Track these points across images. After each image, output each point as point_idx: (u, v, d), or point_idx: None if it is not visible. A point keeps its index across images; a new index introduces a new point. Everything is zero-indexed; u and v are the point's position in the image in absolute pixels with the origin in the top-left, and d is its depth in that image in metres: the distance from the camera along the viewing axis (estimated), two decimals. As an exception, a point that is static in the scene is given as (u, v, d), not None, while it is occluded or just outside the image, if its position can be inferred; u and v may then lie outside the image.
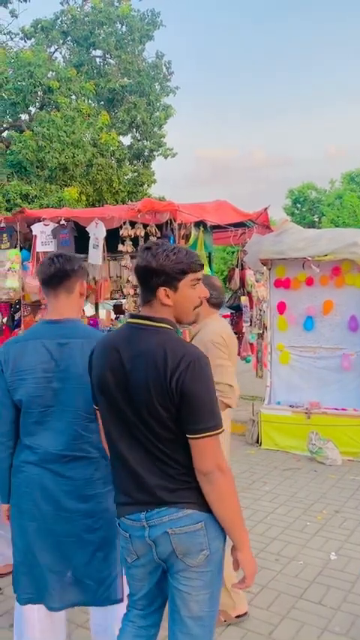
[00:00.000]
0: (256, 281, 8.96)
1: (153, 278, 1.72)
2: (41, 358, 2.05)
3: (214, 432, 1.63)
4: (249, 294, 8.75)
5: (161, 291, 1.72)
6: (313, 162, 58.43)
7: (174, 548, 1.69)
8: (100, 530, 2.06)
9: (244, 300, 8.39)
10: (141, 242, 6.80)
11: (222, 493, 1.66)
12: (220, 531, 1.73)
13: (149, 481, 1.69)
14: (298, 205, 32.13)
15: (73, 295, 2.17)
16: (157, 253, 1.71)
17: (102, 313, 9.06)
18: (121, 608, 2.06)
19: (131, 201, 14.60)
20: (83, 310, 3.12)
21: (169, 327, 1.74)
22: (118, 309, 8.85)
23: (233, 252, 17.12)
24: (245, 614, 2.82)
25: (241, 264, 8.60)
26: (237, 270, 8.69)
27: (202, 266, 1.79)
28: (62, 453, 2.04)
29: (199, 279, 1.78)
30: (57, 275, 2.13)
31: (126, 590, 2.09)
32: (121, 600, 2.09)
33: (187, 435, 1.64)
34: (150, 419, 1.66)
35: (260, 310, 9.20)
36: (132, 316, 1.80)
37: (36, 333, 2.14)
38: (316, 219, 30.60)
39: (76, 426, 2.05)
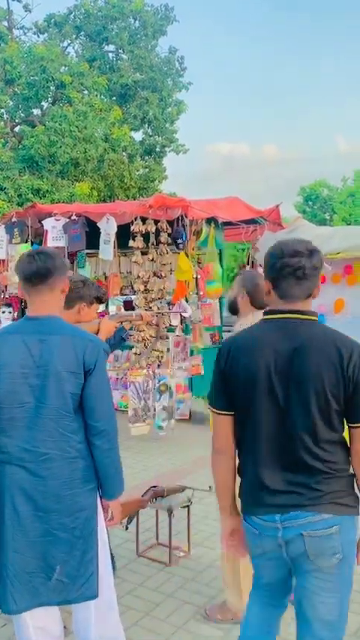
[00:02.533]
0: (266, 278, 8.92)
1: (318, 274, 1.84)
2: (19, 354, 2.03)
3: None
4: (259, 291, 8.72)
5: (318, 287, 1.86)
6: (325, 160, 58.05)
7: (306, 549, 1.71)
8: (76, 530, 2.05)
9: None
10: (152, 238, 6.79)
11: None
12: (354, 535, 1.73)
13: (291, 481, 1.71)
14: (310, 203, 31.96)
15: (55, 292, 2.14)
16: (319, 251, 1.86)
17: (112, 309, 9.05)
18: (98, 602, 2.11)
19: (142, 197, 14.60)
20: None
21: (316, 318, 1.83)
22: (128, 305, 8.86)
23: (244, 250, 17.05)
24: None
25: (252, 262, 8.57)
26: (247, 268, 8.66)
27: None
28: (39, 451, 2.00)
29: None
30: (39, 273, 2.10)
31: (103, 585, 2.11)
32: (97, 596, 2.10)
33: (352, 425, 1.72)
34: (316, 411, 1.69)
35: (270, 308, 9.15)
36: (278, 312, 1.82)
37: (16, 329, 2.13)
38: (328, 217, 30.42)
39: (54, 423, 2.01)
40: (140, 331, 6.66)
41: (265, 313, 1.87)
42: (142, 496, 3.30)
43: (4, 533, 2.02)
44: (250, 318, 2.79)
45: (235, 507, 1.94)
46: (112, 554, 2.47)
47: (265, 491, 1.74)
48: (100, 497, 2.16)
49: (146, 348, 6.61)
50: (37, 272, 2.11)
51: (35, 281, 2.12)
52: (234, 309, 2.96)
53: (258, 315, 2.84)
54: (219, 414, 1.85)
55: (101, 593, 2.11)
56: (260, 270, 8.54)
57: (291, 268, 1.79)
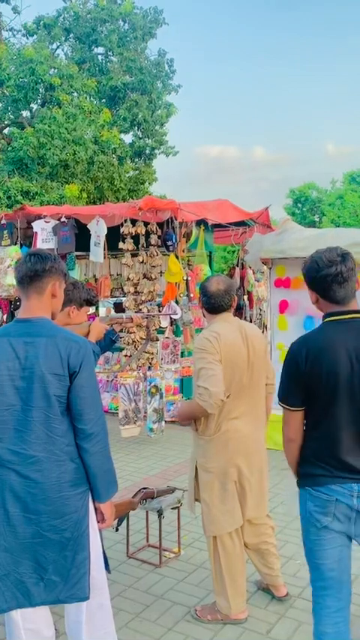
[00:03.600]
0: (257, 280, 8.97)
1: (355, 273, 2.03)
2: (5, 356, 2.03)
3: None
4: (249, 293, 8.76)
5: (358, 282, 2.08)
6: (315, 162, 58.39)
7: None
8: (67, 531, 2.05)
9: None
10: (142, 240, 6.80)
11: None
12: None
13: None
14: (299, 205, 32.10)
15: (44, 296, 2.13)
16: (349, 253, 2.06)
17: (102, 311, 9.05)
18: (90, 604, 2.12)
19: (132, 199, 14.59)
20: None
21: None
22: (119, 308, 8.88)
23: (234, 252, 17.12)
24: (243, 619, 2.81)
25: (242, 264, 8.61)
26: (237, 270, 8.70)
27: None
28: (27, 453, 2.00)
29: None
30: (28, 275, 2.10)
31: (95, 587, 2.11)
32: (88, 598, 2.10)
33: None
34: None
35: (260, 310, 9.21)
36: (339, 313, 2.02)
37: (4, 331, 2.12)
38: (317, 219, 30.57)
39: (42, 426, 2.01)
40: (130, 333, 6.67)
41: (327, 316, 2.06)
42: (133, 497, 3.30)
43: None
44: (218, 324, 2.78)
45: None
46: (105, 555, 2.47)
47: (347, 470, 1.99)
48: (93, 499, 2.16)
49: (137, 350, 6.61)
50: (25, 274, 2.12)
51: (24, 283, 2.12)
52: None
53: (224, 319, 2.81)
54: (294, 410, 2.09)
55: (93, 595, 2.11)
56: (250, 271, 8.59)
57: (331, 277, 2.01)
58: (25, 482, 2.01)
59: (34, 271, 2.10)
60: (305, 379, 2.02)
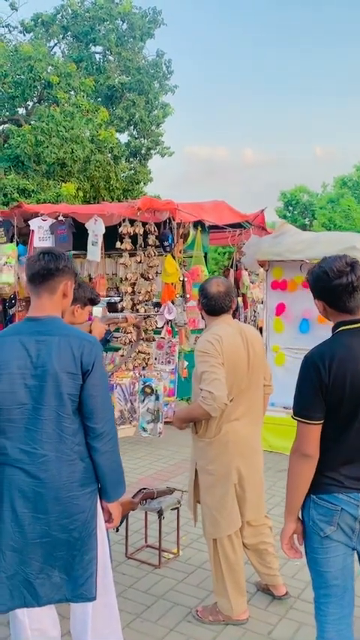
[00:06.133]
0: (251, 282, 9.00)
1: None
2: (16, 354, 2.02)
3: None
4: (243, 295, 8.79)
5: None
6: (308, 165, 58.61)
7: None
8: (75, 531, 2.04)
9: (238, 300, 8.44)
10: (139, 240, 6.80)
11: None
12: None
13: None
14: (290, 208, 32.21)
15: (56, 295, 2.12)
16: (357, 261, 2.04)
17: (97, 311, 9.02)
18: (96, 604, 2.13)
19: (127, 198, 14.56)
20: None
21: None
22: (112, 308, 8.85)
23: (224, 253, 17.13)
24: (245, 620, 2.82)
25: (236, 265, 8.63)
26: (232, 271, 8.72)
27: None
28: (37, 452, 2.00)
29: None
30: (40, 273, 2.09)
31: (102, 587, 2.12)
32: (95, 598, 2.10)
33: None
34: None
35: (255, 311, 9.24)
36: (352, 322, 1.99)
37: (15, 330, 2.11)
38: (308, 222, 30.69)
39: (53, 425, 2.01)
40: (128, 333, 6.67)
41: (340, 325, 2.02)
42: (133, 498, 3.30)
43: (3, 535, 2.01)
44: (219, 327, 2.75)
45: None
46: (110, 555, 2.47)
47: (355, 479, 1.97)
48: (100, 499, 2.16)
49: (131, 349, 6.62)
50: (38, 272, 2.11)
51: (36, 281, 2.11)
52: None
53: (224, 322, 2.79)
54: (315, 424, 1.98)
55: (99, 595, 2.11)
56: (245, 273, 8.60)
57: (342, 287, 1.97)
58: (34, 483, 2.00)
59: (47, 270, 2.09)
60: (328, 391, 1.94)
